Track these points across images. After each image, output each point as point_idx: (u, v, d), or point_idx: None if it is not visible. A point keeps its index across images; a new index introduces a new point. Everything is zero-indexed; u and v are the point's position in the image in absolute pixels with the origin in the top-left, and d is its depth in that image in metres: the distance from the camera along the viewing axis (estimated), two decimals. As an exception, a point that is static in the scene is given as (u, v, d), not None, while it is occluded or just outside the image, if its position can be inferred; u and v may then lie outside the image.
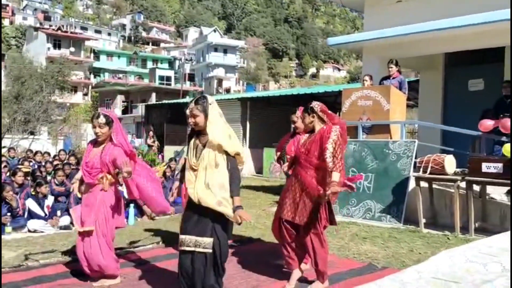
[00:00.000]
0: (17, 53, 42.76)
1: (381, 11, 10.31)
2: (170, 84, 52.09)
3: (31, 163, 10.54)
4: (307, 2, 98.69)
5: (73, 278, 4.27)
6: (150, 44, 79.93)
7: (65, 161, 10.31)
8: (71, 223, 6.94)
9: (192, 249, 3.34)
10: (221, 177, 3.35)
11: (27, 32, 56.14)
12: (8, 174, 8.18)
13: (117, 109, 37.33)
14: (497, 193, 6.63)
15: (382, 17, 10.05)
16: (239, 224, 3.36)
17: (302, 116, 4.16)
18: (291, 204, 3.98)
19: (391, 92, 7.96)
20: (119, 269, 4.25)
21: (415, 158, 7.23)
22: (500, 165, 5.87)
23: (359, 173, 7.51)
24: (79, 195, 6.88)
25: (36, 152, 12.10)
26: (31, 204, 6.89)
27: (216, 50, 62.08)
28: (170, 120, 23.08)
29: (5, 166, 8.82)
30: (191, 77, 61.03)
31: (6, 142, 17.86)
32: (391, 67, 8.52)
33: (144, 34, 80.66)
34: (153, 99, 33.84)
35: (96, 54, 60.05)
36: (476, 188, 6.42)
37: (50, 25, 60.43)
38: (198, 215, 3.38)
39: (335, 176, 3.75)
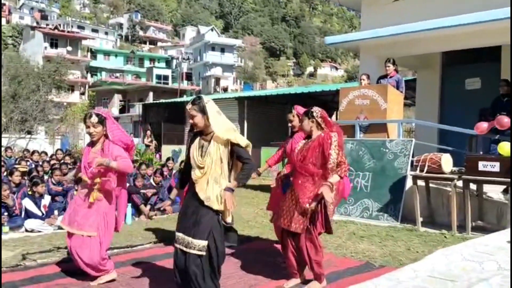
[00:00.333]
0: (14, 52, 42.56)
1: (378, 10, 10.32)
2: (167, 83, 51.97)
3: (28, 163, 10.52)
4: (305, 1, 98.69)
5: (71, 278, 4.26)
6: (147, 43, 79.82)
7: (62, 161, 10.30)
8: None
9: (186, 249, 3.33)
10: (223, 170, 3.39)
11: (24, 31, 55.95)
12: (5, 173, 8.17)
13: (114, 109, 37.24)
14: (494, 191, 6.65)
15: (379, 16, 10.07)
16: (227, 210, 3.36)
17: (302, 119, 4.15)
18: (287, 212, 3.98)
19: (388, 91, 7.97)
20: (112, 265, 4.25)
21: (412, 157, 7.24)
22: (496, 163, 5.90)
23: (350, 177, 7.53)
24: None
25: (33, 152, 12.07)
26: (28, 203, 6.87)
27: (213, 49, 62.00)
28: (168, 120, 23.07)
29: (2, 166, 8.80)
30: (189, 76, 60.95)
31: (3, 141, 17.79)
32: (388, 66, 8.53)
33: (141, 33, 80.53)
34: (150, 98, 33.76)
35: (93, 53, 59.90)
36: (473, 186, 6.44)
37: (47, 24, 60.29)
38: (198, 214, 3.36)
39: (334, 178, 3.80)
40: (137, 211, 7.85)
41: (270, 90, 32.89)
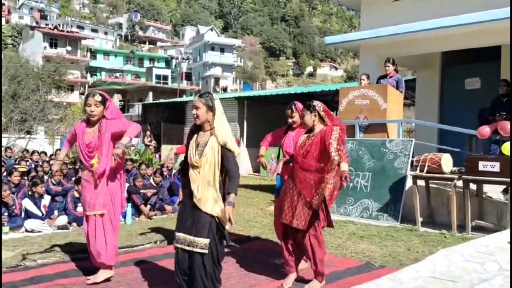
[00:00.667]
0: (14, 52, 42.56)
1: (378, 10, 10.33)
2: (167, 83, 52.01)
3: (27, 163, 10.52)
4: (304, 1, 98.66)
5: (71, 278, 4.26)
6: (147, 43, 79.78)
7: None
8: (69, 222, 6.94)
9: (189, 248, 3.35)
10: (215, 175, 3.37)
11: (23, 31, 55.92)
12: (5, 173, 8.17)
13: (114, 108, 37.15)
14: (494, 191, 6.65)
15: (379, 16, 10.07)
16: (229, 221, 3.30)
17: (303, 113, 4.11)
18: (289, 207, 3.97)
19: (388, 91, 7.97)
20: (115, 261, 4.28)
21: (412, 157, 7.25)
22: (496, 163, 5.90)
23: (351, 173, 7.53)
24: (77, 195, 6.93)
25: (33, 152, 12.07)
26: (27, 204, 6.88)
27: (213, 49, 62.02)
28: (167, 119, 23.03)
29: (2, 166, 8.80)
30: (188, 76, 60.98)
31: (2, 141, 17.79)
32: (388, 66, 8.53)
33: (140, 33, 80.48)
34: (150, 98, 33.72)
35: (93, 53, 59.90)
36: (473, 186, 6.44)
37: (47, 24, 60.26)
38: (195, 213, 3.37)
39: (344, 166, 3.80)
40: (137, 211, 7.85)
41: (270, 90, 32.88)
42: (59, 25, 59.47)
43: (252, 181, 13.74)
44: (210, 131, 3.41)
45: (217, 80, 58.16)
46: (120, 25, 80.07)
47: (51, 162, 10.32)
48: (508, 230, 3.37)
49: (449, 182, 6.42)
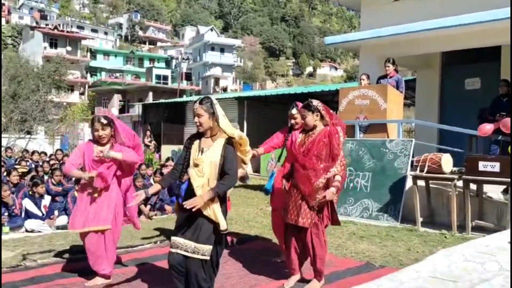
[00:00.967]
0: (14, 52, 42.59)
1: (378, 10, 10.33)
2: (167, 83, 52.00)
3: (28, 163, 10.53)
4: (304, 1, 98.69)
5: (71, 278, 4.26)
6: (147, 43, 79.79)
7: (62, 161, 10.30)
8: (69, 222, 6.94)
9: (190, 255, 3.30)
10: (216, 174, 3.35)
11: (23, 31, 55.94)
12: (5, 174, 8.17)
13: (114, 109, 37.19)
14: (494, 191, 6.65)
15: (379, 16, 10.07)
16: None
17: (304, 114, 4.08)
18: (294, 207, 3.95)
19: (388, 91, 7.97)
20: (113, 270, 4.28)
21: (412, 157, 7.25)
22: (496, 163, 5.90)
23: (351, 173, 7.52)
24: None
25: (33, 152, 12.07)
26: (28, 204, 6.88)
27: (213, 49, 62.02)
28: (167, 120, 23.04)
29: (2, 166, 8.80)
30: (188, 76, 60.96)
31: (2, 141, 17.79)
32: (388, 66, 8.53)
33: (140, 33, 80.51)
34: (150, 98, 33.73)
35: (93, 53, 59.91)
36: (473, 186, 6.44)
37: (47, 24, 60.26)
38: (198, 219, 3.33)
39: (338, 179, 3.84)
40: (137, 211, 7.83)
41: (270, 90, 32.88)
42: (59, 25, 59.48)
43: (252, 181, 13.71)
44: (214, 135, 3.39)
45: (217, 80, 58.15)
46: (120, 25, 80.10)
47: (51, 162, 10.33)
48: (508, 230, 3.37)
49: (449, 182, 6.42)
